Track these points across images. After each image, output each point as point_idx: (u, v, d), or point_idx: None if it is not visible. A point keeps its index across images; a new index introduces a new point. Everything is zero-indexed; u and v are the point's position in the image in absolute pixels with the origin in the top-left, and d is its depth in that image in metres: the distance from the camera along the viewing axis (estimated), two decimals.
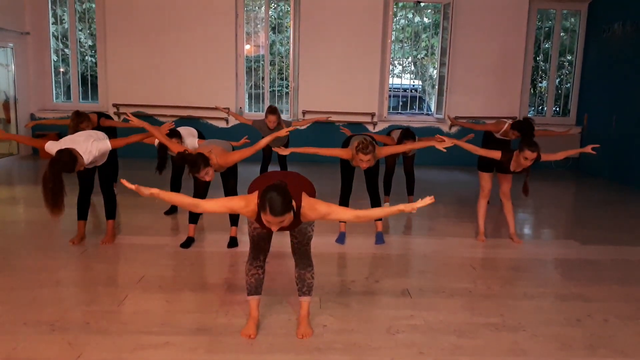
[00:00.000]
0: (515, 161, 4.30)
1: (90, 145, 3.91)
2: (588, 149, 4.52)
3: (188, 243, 4.29)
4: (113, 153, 4.37)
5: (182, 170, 5.23)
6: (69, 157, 3.67)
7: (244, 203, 2.57)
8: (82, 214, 4.28)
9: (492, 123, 6.02)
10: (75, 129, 5.34)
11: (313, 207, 2.56)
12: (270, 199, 2.35)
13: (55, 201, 3.41)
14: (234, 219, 4.36)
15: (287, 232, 2.84)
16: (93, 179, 4.26)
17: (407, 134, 5.25)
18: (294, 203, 2.49)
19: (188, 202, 2.64)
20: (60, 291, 3.37)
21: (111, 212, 4.32)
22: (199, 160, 3.68)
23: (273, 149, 4.38)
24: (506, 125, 5.63)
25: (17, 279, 3.51)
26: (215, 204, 2.63)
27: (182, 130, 4.96)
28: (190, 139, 4.95)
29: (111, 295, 3.29)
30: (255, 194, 2.54)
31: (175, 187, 5.29)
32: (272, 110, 5.74)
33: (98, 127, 5.76)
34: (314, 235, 2.87)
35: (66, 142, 3.87)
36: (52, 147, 3.82)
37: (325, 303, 3.25)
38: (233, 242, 4.33)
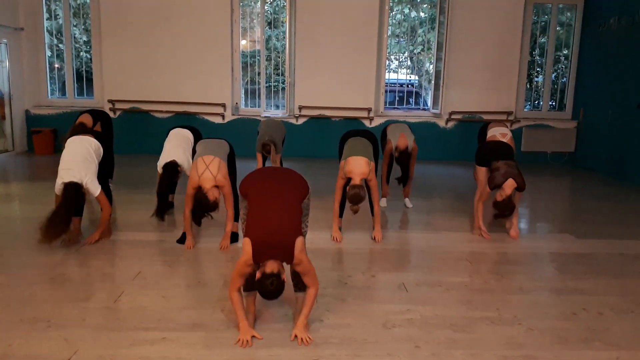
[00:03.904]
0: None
1: (85, 177, 3.92)
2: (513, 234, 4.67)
3: (184, 239, 4.28)
4: (109, 150, 4.34)
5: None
6: (77, 192, 3.85)
7: (244, 260, 2.63)
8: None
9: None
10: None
11: (301, 260, 2.66)
12: (266, 293, 2.54)
13: (51, 233, 3.73)
14: (234, 214, 4.33)
15: None
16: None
17: (402, 157, 5.28)
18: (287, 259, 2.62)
19: (237, 297, 2.74)
20: (56, 288, 3.36)
21: None
22: (210, 206, 3.88)
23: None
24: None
25: (12, 276, 3.50)
26: (236, 283, 2.70)
27: (173, 139, 4.77)
28: (186, 162, 4.64)
29: (107, 292, 3.29)
30: (247, 247, 2.62)
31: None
32: (267, 150, 5.72)
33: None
34: (309, 231, 2.88)
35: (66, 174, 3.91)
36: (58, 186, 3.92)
37: (322, 298, 3.25)
38: (234, 237, 4.32)
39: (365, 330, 2.86)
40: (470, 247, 4.40)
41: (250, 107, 9.46)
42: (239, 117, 9.08)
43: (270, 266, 2.53)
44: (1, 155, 8.43)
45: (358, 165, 4.19)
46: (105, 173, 4.28)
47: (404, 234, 4.86)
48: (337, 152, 4.85)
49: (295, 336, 2.71)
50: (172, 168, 4.53)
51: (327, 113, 9.02)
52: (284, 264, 2.62)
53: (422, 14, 10.15)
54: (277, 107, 9.70)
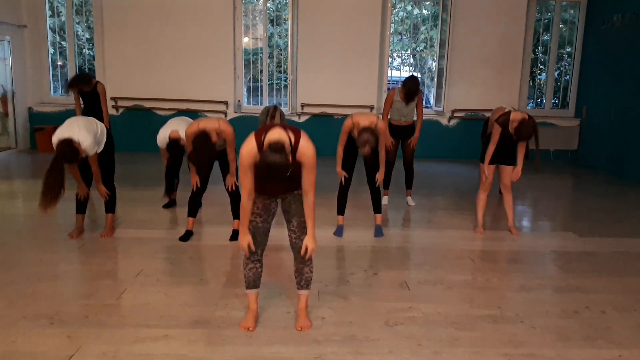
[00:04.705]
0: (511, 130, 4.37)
1: (81, 135, 3.87)
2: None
3: (187, 236, 4.29)
4: (110, 148, 4.34)
5: (179, 163, 5.11)
6: (70, 148, 3.72)
7: (247, 150, 2.54)
8: (81, 208, 4.28)
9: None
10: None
11: (307, 148, 2.54)
12: (268, 165, 2.36)
13: (50, 195, 3.50)
14: (236, 212, 4.35)
15: (284, 228, 2.85)
16: (92, 174, 4.24)
17: (411, 83, 5.25)
18: (292, 138, 2.50)
19: (244, 202, 2.64)
20: (59, 285, 3.38)
21: (111, 206, 4.32)
22: (209, 147, 3.79)
23: None
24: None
25: (15, 272, 3.51)
26: (245, 182, 2.60)
27: (173, 120, 4.80)
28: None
29: (110, 289, 3.30)
30: (250, 139, 2.55)
31: (170, 179, 5.13)
32: (272, 115, 5.64)
33: (94, 91, 5.92)
34: None
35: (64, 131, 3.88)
36: (54, 138, 3.87)
37: (324, 295, 3.26)
38: (236, 235, 4.32)
39: (367, 328, 2.86)
40: (472, 245, 4.40)
41: (253, 104, 9.46)
42: (241, 114, 9.07)
43: (274, 133, 2.46)
44: (4, 152, 8.45)
45: (365, 116, 4.20)
46: (109, 170, 4.27)
47: (406, 231, 4.85)
48: None
49: (306, 248, 2.69)
50: (176, 144, 4.52)
51: (330, 111, 9.01)
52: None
53: (424, 12, 10.12)
54: (280, 104, 9.69)
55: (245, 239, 2.69)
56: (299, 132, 2.57)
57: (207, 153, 3.80)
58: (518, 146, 4.48)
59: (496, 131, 4.42)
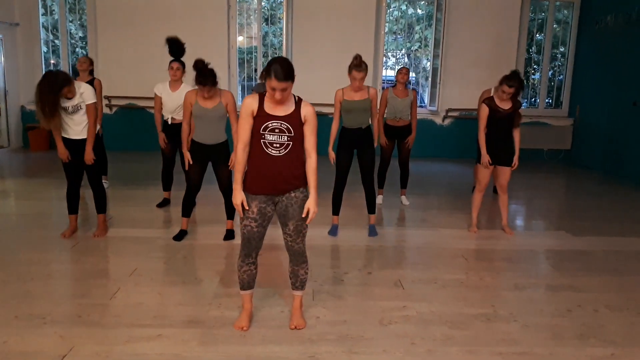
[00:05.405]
0: (499, 97, 4.50)
1: (87, 85, 3.97)
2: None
3: (181, 236, 4.27)
4: (101, 146, 4.31)
5: (173, 163, 5.20)
6: (64, 74, 3.80)
7: (250, 101, 2.63)
8: (72, 209, 4.25)
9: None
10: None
11: (310, 106, 2.69)
12: (275, 66, 2.55)
13: (47, 106, 3.67)
14: (230, 212, 4.34)
15: (279, 227, 2.83)
16: (81, 173, 4.21)
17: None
18: (297, 97, 2.67)
19: (239, 154, 2.64)
20: (51, 284, 3.36)
21: (101, 206, 4.29)
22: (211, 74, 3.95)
23: None
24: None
25: (8, 272, 3.49)
26: (243, 133, 2.62)
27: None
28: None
29: (103, 288, 3.28)
30: (253, 94, 2.69)
31: (167, 181, 5.27)
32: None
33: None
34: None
35: None
36: None
37: (318, 295, 3.26)
38: (229, 235, 4.32)
39: (361, 327, 2.87)
40: (466, 244, 4.41)
41: None
42: None
43: None
44: None
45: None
46: (97, 171, 4.24)
47: (400, 230, 4.86)
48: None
49: (308, 209, 2.66)
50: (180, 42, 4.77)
51: (324, 110, 9.00)
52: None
53: (419, 11, 10.13)
54: None
55: (239, 196, 2.64)
56: (300, 101, 2.73)
57: (209, 68, 3.95)
58: (514, 132, 4.56)
59: (483, 111, 4.51)
